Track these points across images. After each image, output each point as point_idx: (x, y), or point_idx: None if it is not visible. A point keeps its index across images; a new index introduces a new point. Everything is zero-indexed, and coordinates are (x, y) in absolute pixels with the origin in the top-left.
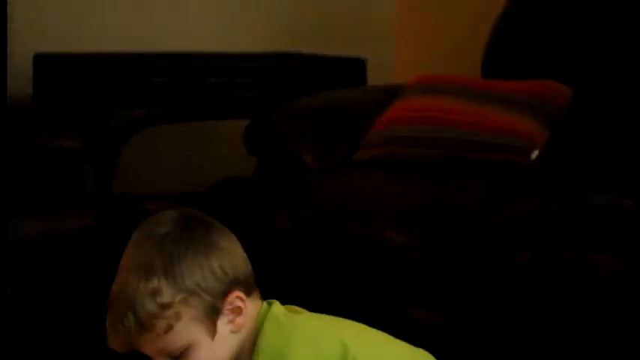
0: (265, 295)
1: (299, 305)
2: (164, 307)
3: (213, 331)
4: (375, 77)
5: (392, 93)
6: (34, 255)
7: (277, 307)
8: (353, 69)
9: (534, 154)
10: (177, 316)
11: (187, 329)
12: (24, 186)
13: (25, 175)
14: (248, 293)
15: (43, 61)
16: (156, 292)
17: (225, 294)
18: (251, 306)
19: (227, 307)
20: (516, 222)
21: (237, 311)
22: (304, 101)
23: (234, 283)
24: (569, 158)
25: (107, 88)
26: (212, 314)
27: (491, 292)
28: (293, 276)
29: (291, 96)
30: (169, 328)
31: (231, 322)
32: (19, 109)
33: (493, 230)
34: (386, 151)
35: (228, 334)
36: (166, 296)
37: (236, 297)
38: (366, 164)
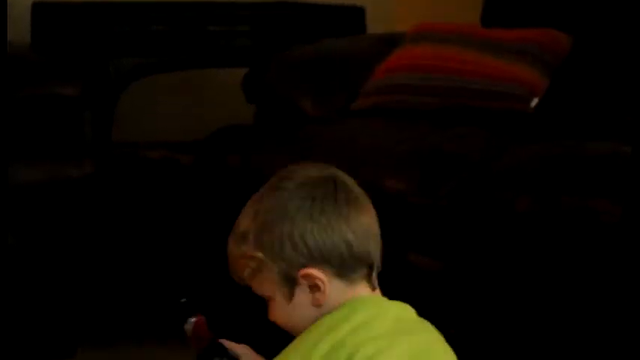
0: None
1: None
2: (244, 255)
3: (289, 297)
4: (375, 26)
5: (391, 41)
6: (34, 202)
7: (374, 311)
8: (352, 17)
9: (534, 102)
10: (257, 269)
11: (266, 284)
12: (23, 134)
13: (24, 122)
14: (340, 275)
15: (41, 9)
16: (242, 239)
17: (302, 266)
18: (338, 289)
19: (304, 280)
20: (515, 169)
21: (315, 288)
22: (303, 49)
23: (317, 260)
24: (569, 106)
25: (106, 36)
26: (287, 281)
27: (491, 239)
28: None
29: (290, 44)
30: (252, 275)
31: (310, 295)
32: (18, 57)
33: (492, 177)
34: (385, 100)
35: (308, 305)
36: (248, 247)
37: (314, 274)
38: (365, 112)
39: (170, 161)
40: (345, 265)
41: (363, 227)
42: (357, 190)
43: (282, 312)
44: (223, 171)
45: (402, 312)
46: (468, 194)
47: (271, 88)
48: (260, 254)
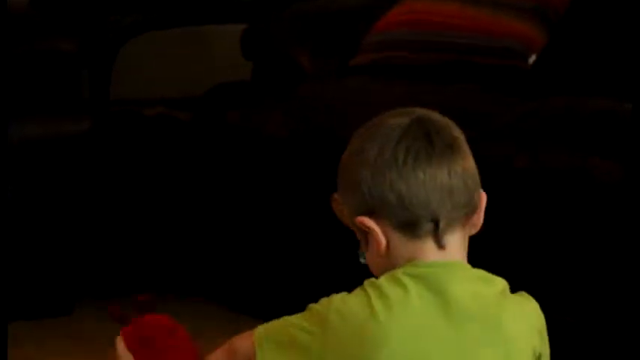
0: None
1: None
2: (332, 197)
3: (364, 241)
4: None
5: None
6: (32, 158)
7: (435, 277)
8: None
9: (532, 59)
10: (340, 211)
11: (351, 227)
12: (21, 90)
13: (22, 78)
14: (400, 229)
15: None
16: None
17: (359, 214)
18: (401, 243)
19: (361, 227)
20: (514, 126)
21: (372, 237)
22: (302, 6)
23: (371, 210)
24: (568, 62)
25: None
26: (353, 225)
27: (489, 195)
28: (287, 184)
29: (289, 1)
30: (341, 216)
31: (374, 245)
32: (17, 14)
33: (491, 134)
34: (383, 56)
35: (374, 252)
36: (338, 188)
37: (365, 222)
38: (364, 69)
39: (168, 118)
40: (401, 218)
41: (423, 179)
42: (440, 140)
43: (369, 259)
44: (221, 128)
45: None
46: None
47: (269, 45)
48: (337, 193)
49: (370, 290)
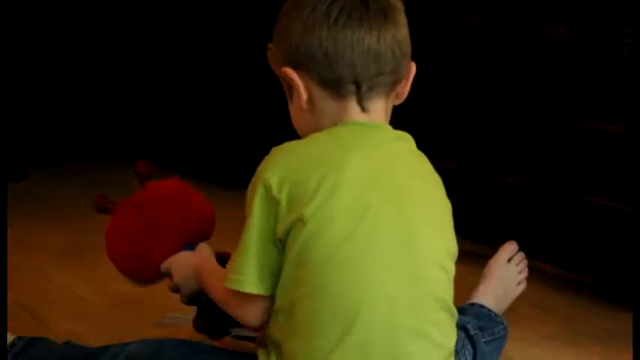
0: None
1: None
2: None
3: (289, 94)
4: None
5: None
6: None
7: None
8: None
9: None
10: (272, 58)
11: (280, 79)
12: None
13: None
14: (324, 86)
15: None
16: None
17: (285, 64)
18: (325, 101)
19: (285, 79)
20: None
21: (295, 90)
22: None
23: (296, 62)
24: None
25: None
26: (282, 78)
27: (443, 57)
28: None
29: None
30: (272, 64)
31: (296, 98)
32: None
33: None
34: None
35: (297, 108)
36: (272, 38)
37: (288, 73)
38: None
39: None
40: (325, 76)
41: (351, 40)
42: (377, 5)
43: (291, 112)
44: None
45: (381, 147)
46: (420, 12)
47: None
48: (271, 45)
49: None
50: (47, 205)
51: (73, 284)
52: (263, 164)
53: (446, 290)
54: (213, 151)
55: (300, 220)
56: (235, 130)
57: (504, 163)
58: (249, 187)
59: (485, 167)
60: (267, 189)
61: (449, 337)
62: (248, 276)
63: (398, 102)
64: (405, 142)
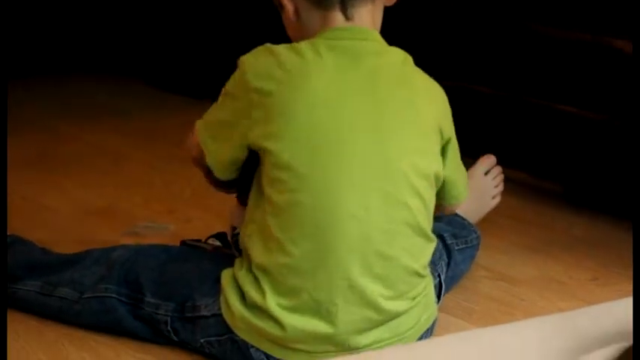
0: None
1: None
2: None
3: (280, 8)
4: None
5: None
6: None
7: (337, 37)
8: None
9: None
10: None
11: None
12: None
13: None
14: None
15: None
16: None
17: None
18: (310, 13)
19: None
20: None
21: (281, 7)
22: None
23: None
24: None
25: None
26: None
27: None
28: None
29: None
30: None
31: (284, 10)
32: None
33: None
34: None
35: (287, 19)
36: None
37: None
38: None
39: None
40: None
41: None
42: None
43: (284, 23)
44: None
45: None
46: None
47: None
48: None
49: (280, 48)
50: (10, 117)
51: (41, 196)
52: (245, 64)
53: (422, 216)
54: (183, 62)
55: (271, 136)
56: (205, 40)
57: (474, 72)
58: (231, 79)
59: (455, 76)
60: (247, 90)
61: (419, 259)
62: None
63: (389, 3)
64: (391, 55)
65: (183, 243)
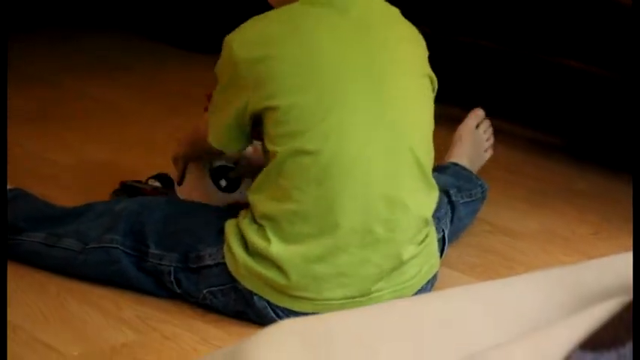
0: None
1: None
2: None
3: None
4: None
5: None
6: None
7: None
8: None
9: None
10: None
11: None
12: None
13: None
14: None
15: None
16: None
17: None
18: None
19: None
20: None
21: None
22: None
23: None
24: None
25: None
26: None
27: None
28: None
29: None
30: None
31: None
32: None
33: None
34: None
35: None
36: None
37: None
38: None
39: None
40: None
41: None
42: None
43: None
44: None
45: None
46: None
47: None
48: None
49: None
50: (11, 71)
51: (42, 149)
52: (230, 41)
53: (423, 154)
54: (185, 15)
55: (270, 96)
56: None
57: (477, 26)
58: (220, 59)
59: (457, 30)
60: (235, 65)
61: (424, 204)
62: (229, 144)
63: None
64: (376, 3)
65: (123, 184)
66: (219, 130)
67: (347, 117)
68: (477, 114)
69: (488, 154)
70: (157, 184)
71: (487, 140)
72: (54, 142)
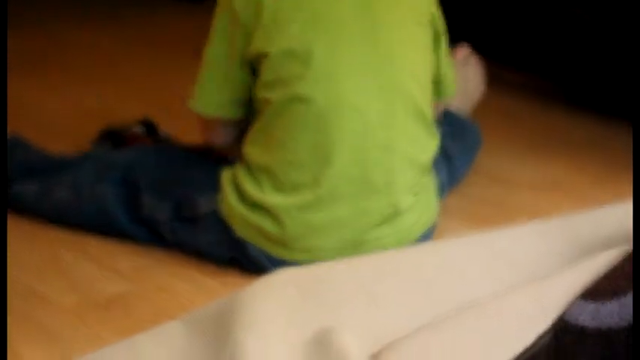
0: None
1: None
2: None
3: None
4: None
5: None
6: None
7: None
8: None
9: None
10: None
11: None
12: None
13: None
14: None
15: None
16: None
17: None
18: None
19: None
20: None
21: None
22: None
23: None
24: None
25: None
26: None
27: None
28: None
29: None
30: None
31: None
32: None
33: None
34: None
35: None
36: None
37: None
38: None
39: None
40: None
41: None
42: None
43: None
44: None
45: None
46: None
47: None
48: None
49: None
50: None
51: (38, 96)
52: None
53: (423, 100)
54: None
55: (266, 54)
56: None
57: None
58: (216, 7)
59: None
60: (233, 11)
61: (422, 151)
62: (209, 101)
63: None
64: None
65: (104, 131)
66: (210, 91)
67: (340, 62)
68: (463, 50)
69: (480, 90)
70: (140, 131)
71: (476, 75)
72: (50, 89)
